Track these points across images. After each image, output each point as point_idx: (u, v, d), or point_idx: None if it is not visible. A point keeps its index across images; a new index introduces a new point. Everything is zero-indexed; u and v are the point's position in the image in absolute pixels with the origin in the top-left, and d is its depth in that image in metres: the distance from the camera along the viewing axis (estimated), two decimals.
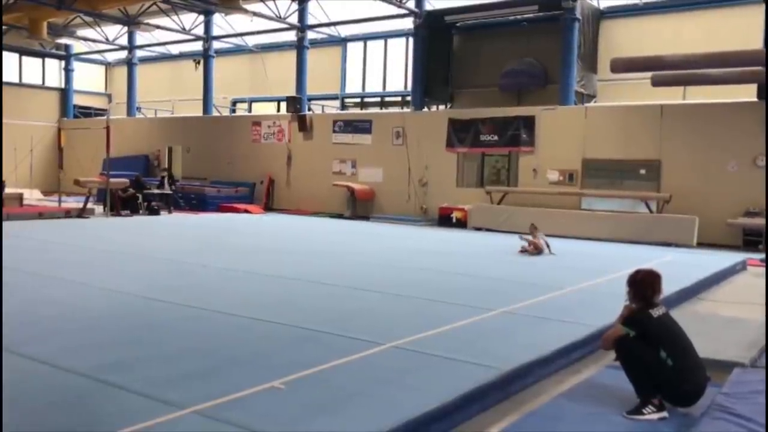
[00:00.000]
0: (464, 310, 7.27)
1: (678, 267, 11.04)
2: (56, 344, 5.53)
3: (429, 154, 20.17)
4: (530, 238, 12.69)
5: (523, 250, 12.56)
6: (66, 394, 4.41)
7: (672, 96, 17.12)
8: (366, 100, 24.67)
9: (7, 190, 21.53)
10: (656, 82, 15.63)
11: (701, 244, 15.15)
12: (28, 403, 4.21)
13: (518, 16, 19.36)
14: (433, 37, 20.50)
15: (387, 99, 24.00)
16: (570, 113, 18.04)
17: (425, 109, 21.03)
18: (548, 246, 12.65)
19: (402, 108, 22.52)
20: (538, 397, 5.00)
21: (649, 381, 4.46)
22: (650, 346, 4.48)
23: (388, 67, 23.75)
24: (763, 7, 15.84)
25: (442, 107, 21.13)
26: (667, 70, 15.37)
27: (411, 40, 21.63)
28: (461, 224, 18.48)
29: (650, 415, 4.40)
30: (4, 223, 15.72)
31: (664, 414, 4.43)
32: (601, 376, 5.30)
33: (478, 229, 17.84)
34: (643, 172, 16.94)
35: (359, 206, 21.09)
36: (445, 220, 19.01)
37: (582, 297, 8.47)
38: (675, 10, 18.18)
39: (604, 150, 17.45)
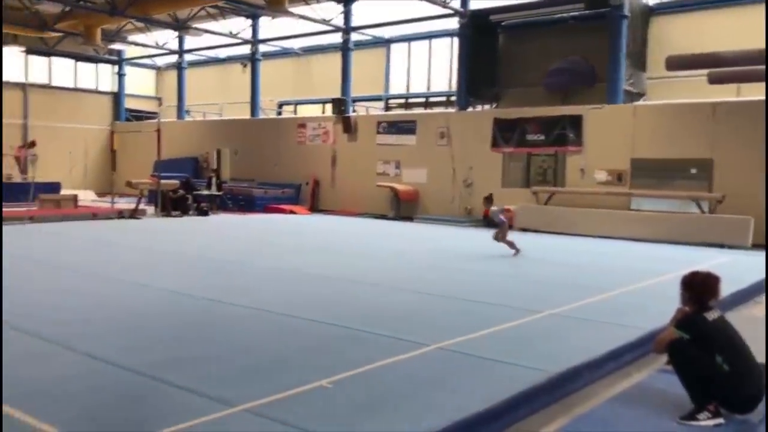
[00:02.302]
0: (510, 311, 7.21)
1: (733, 269, 10.73)
2: (111, 342, 5.69)
3: (474, 155, 20.05)
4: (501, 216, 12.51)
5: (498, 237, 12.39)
6: (122, 390, 4.54)
7: (726, 93, 16.63)
8: (410, 100, 24.66)
9: (63, 191, 22.29)
10: (713, 80, 15.17)
11: (757, 245, 14.68)
12: (86, 400, 4.34)
13: (564, 14, 19.08)
14: (478, 37, 20.37)
15: (431, 99, 23.94)
16: (618, 112, 17.70)
17: (470, 109, 20.92)
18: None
19: (446, 108, 22.44)
20: (588, 401, 4.91)
21: (704, 386, 4.35)
22: (705, 351, 4.35)
23: (433, 68, 23.71)
24: None
25: (487, 107, 20.98)
26: (725, 67, 14.90)
27: (456, 39, 21.55)
28: None
29: (705, 421, 4.29)
30: (61, 224, 16.25)
31: (720, 420, 4.31)
32: (653, 381, 5.19)
33: (525, 230, 17.65)
34: (694, 171, 16.50)
35: (403, 207, 21.10)
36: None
37: (632, 299, 8.31)
38: (729, 5, 17.65)
39: (653, 149, 17.08)
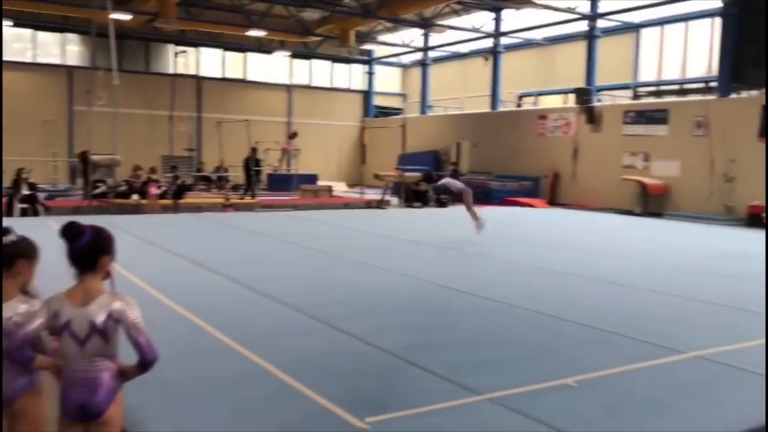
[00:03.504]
0: None
1: None
2: (367, 323, 6.16)
3: (737, 146, 18.07)
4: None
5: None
6: (377, 368, 4.92)
7: None
8: (662, 88, 22.96)
9: (320, 183, 24.47)
10: None
11: None
12: (345, 374, 4.78)
13: None
14: (745, 15, 18.27)
15: (686, 86, 22.05)
16: None
17: (733, 96, 18.87)
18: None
19: (704, 95, 20.51)
20: None
21: None
22: None
23: (689, 52, 21.80)
24: None
25: (754, 92, 18.76)
26: None
27: (717, 20, 19.56)
28: None
29: None
30: (318, 212, 17.84)
31: None
32: None
33: None
34: None
35: (651, 202, 19.76)
36: (755, 219, 16.89)
37: None
38: None
39: None
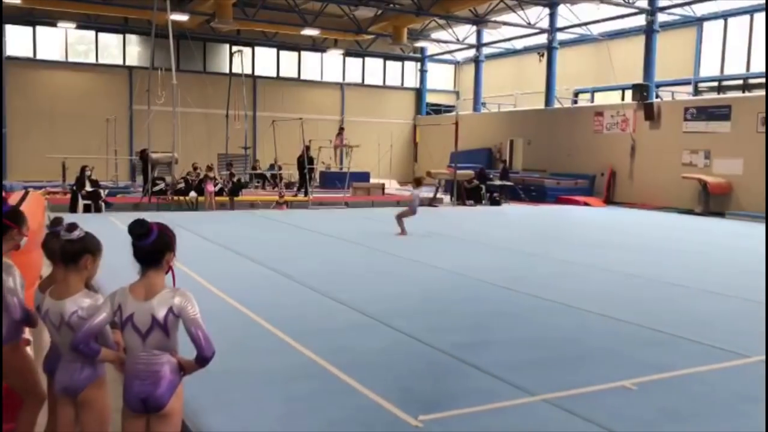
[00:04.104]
0: None
1: None
2: (421, 321, 6.14)
3: None
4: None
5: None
6: (429, 366, 4.90)
7: None
8: (724, 83, 22.19)
9: (372, 180, 24.52)
10: None
11: None
12: (397, 371, 4.78)
13: None
14: None
15: (751, 81, 21.25)
16: None
17: None
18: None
19: None
20: None
21: None
22: None
23: (753, 46, 20.99)
24: None
25: None
26: None
27: None
28: None
29: None
30: (370, 209, 17.90)
31: None
32: None
33: None
34: None
35: (713, 201, 19.13)
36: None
37: None
38: None
39: None
